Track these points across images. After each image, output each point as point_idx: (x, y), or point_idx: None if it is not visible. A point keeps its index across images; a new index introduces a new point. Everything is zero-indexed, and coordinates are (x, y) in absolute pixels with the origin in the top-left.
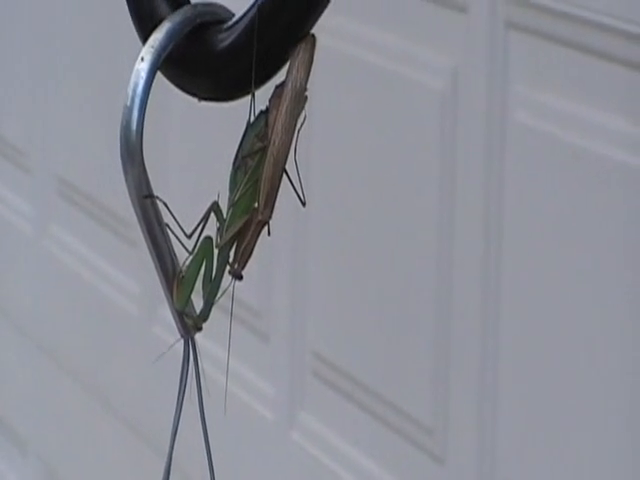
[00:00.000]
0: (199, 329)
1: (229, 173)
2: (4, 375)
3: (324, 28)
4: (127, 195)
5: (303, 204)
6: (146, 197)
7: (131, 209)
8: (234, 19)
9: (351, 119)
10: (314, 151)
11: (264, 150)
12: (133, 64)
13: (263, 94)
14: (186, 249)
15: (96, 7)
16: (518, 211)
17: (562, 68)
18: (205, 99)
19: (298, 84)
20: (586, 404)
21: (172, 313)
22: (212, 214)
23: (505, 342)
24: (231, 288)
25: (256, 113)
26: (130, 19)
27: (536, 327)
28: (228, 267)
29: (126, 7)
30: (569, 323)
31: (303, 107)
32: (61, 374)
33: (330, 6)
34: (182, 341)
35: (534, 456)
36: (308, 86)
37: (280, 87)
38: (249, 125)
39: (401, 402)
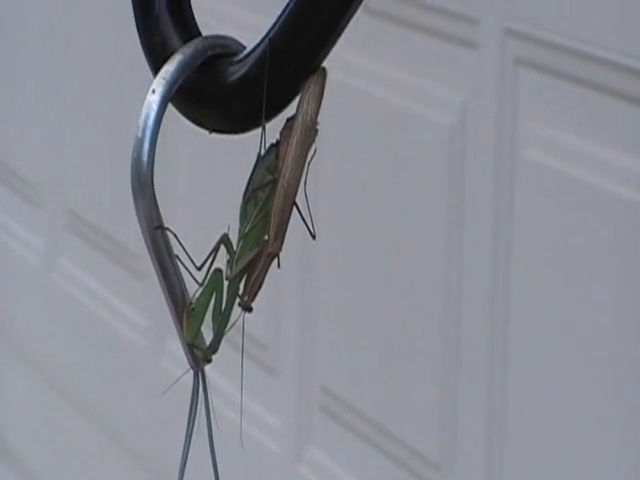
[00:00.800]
0: (209, 361)
1: (239, 205)
2: (11, 407)
3: (333, 63)
4: (136, 228)
5: (313, 237)
6: (157, 228)
7: (139, 242)
8: (245, 52)
9: (360, 154)
10: (322, 185)
11: (274, 183)
12: (143, 97)
13: (274, 127)
14: (196, 281)
15: (107, 39)
16: (527, 248)
17: (572, 105)
18: (216, 131)
19: (308, 117)
20: (595, 443)
21: (182, 345)
22: (222, 246)
23: (513, 378)
24: (240, 320)
25: (267, 146)
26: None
27: (545, 365)
28: (238, 299)
29: (137, 39)
30: (577, 363)
31: (313, 140)
32: (68, 406)
33: (340, 41)
34: (191, 373)
35: None
36: (318, 119)
37: (291, 120)
38: (260, 158)
39: (408, 437)
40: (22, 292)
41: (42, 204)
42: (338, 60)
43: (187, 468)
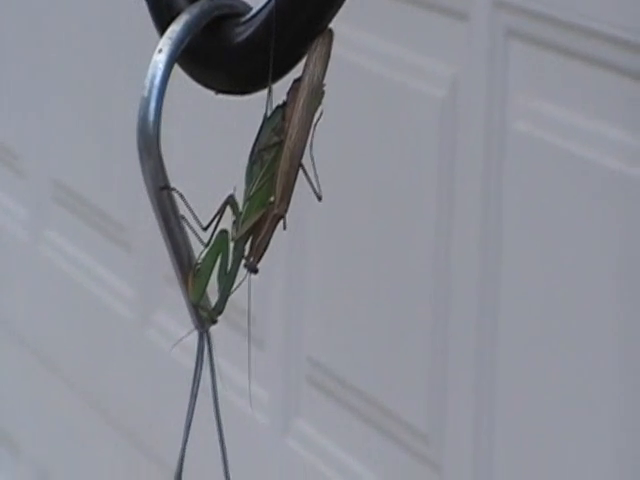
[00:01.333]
0: (214, 322)
1: (245, 167)
2: None
3: (331, 28)
4: (123, 199)
5: (319, 198)
6: (163, 188)
7: (126, 213)
8: (251, 12)
9: (350, 126)
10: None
11: (280, 144)
12: (129, 64)
13: (280, 88)
14: (202, 242)
15: (93, 5)
16: (516, 220)
17: (562, 77)
18: (222, 92)
19: (315, 78)
20: (584, 410)
21: (187, 306)
22: (228, 207)
23: (502, 348)
24: (246, 281)
25: (273, 107)
26: (132, 14)
27: (534, 332)
28: (243, 260)
29: (124, 5)
30: (566, 329)
31: (320, 102)
32: (55, 378)
33: None
34: (196, 334)
35: (531, 463)
36: (325, 81)
37: (297, 81)
38: (266, 119)
39: (397, 409)
40: (7, 264)
41: (27, 175)
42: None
43: (174, 437)
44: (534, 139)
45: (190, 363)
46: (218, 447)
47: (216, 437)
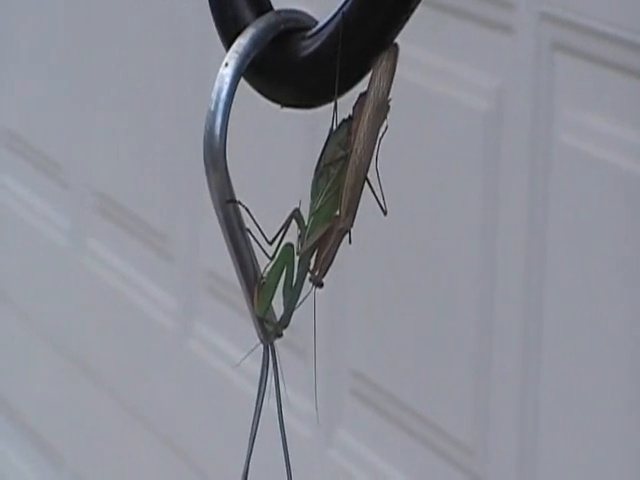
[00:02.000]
0: (279, 335)
1: (311, 180)
2: (41, 389)
3: (397, 42)
4: (164, 209)
5: (384, 212)
6: (229, 202)
7: (168, 223)
8: (318, 26)
9: (395, 139)
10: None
11: (346, 158)
12: (171, 76)
13: (345, 102)
14: (267, 255)
15: (137, 19)
16: (563, 234)
17: (608, 90)
18: (287, 106)
19: (380, 93)
20: (631, 423)
21: (253, 319)
22: (294, 221)
23: (547, 360)
24: (312, 295)
25: (339, 121)
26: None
27: (578, 346)
28: (309, 274)
29: (166, 18)
30: (612, 343)
31: (385, 116)
32: (97, 389)
33: None
34: (261, 347)
35: (575, 474)
36: (390, 95)
37: (363, 95)
38: (332, 133)
39: (440, 421)
40: (49, 273)
41: (70, 185)
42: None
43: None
44: (580, 152)
45: (230, 373)
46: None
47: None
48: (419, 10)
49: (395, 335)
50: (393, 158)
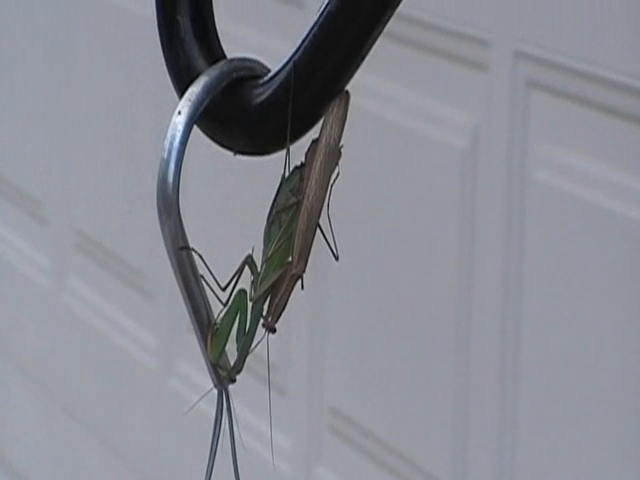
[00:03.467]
0: (233, 381)
1: (263, 227)
2: (19, 426)
3: (348, 90)
4: (145, 247)
5: (336, 258)
6: (182, 249)
7: (149, 261)
8: (270, 74)
9: (371, 176)
10: (333, 206)
11: (298, 205)
12: (150, 115)
13: (298, 148)
14: (220, 301)
15: (115, 54)
16: (538, 271)
17: (583, 127)
18: (240, 153)
19: (332, 140)
20: (609, 464)
21: (206, 364)
22: (246, 267)
23: (525, 402)
24: (264, 340)
25: (291, 168)
26: (157, 69)
27: (556, 390)
28: (262, 320)
29: (147, 56)
30: (587, 382)
31: (337, 163)
32: (77, 427)
33: None
34: (215, 392)
35: None
36: (342, 142)
37: (315, 142)
38: (284, 180)
39: (419, 458)
40: (30, 312)
41: (49, 223)
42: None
43: None
44: (555, 189)
45: (212, 412)
46: None
47: None
48: (395, 48)
49: (374, 373)
50: (370, 195)
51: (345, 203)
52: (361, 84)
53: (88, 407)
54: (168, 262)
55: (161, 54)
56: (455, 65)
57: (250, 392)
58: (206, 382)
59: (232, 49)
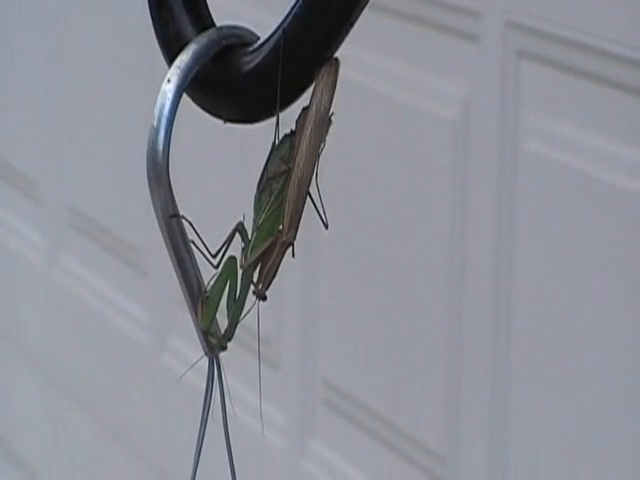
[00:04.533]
0: (224, 348)
1: (254, 195)
2: (14, 405)
3: (338, 57)
4: (138, 224)
5: (326, 226)
6: (172, 217)
7: (142, 238)
8: (259, 42)
9: (363, 148)
10: (325, 180)
11: (289, 172)
12: (144, 93)
13: (289, 116)
14: (212, 265)
15: (110, 34)
16: (530, 240)
17: (573, 97)
18: (230, 121)
19: (322, 107)
20: (600, 431)
21: (197, 332)
22: (237, 234)
23: (517, 368)
24: (255, 308)
25: (281, 136)
26: (147, 43)
27: (548, 355)
28: (252, 287)
29: (140, 33)
30: (580, 350)
31: (327, 130)
32: (71, 403)
33: None
34: (206, 360)
35: None
36: (332, 109)
37: (306, 110)
38: (274, 147)
39: (412, 430)
40: (24, 290)
41: (43, 201)
42: (339, 55)
43: (186, 457)
44: (546, 158)
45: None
46: (228, 468)
47: (235, 461)
48: (385, 20)
49: (366, 345)
50: (361, 167)
51: (336, 175)
52: (351, 57)
53: (82, 382)
54: (161, 239)
55: (151, 26)
56: (446, 36)
57: (244, 367)
58: (198, 357)
59: (222, 19)
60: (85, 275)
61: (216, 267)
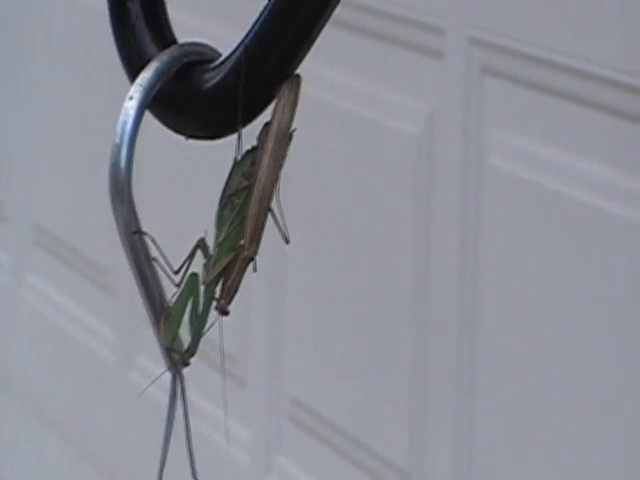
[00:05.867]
0: (186, 364)
1: (215, 211)
2: None
3: (299, 74)
4: (104, 242)
5: (287, 242)
6: (135, 233)
7: (108, 256)
8: (221, 59)
9: (327, 164)
10: (290, 196)
11: (250, 188)
12: (110, 112)
13: (250, 131)
14: (174, 283)
15: (75, 52)
16: (494, 255)
17: (537, 113)
18: (192, 137)
19: (284, 123)
20: (566, 444)
21: (160, 348)
22: (199, 250)
23: (481, 388)
24: (218, 323)
25: (243, 151)
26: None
27: (512, 376)
28: (215, 303)
29: (106, 51)
30: (545, 366)
31: (288, 146)
32: (37, 421)
33: None
34: (169, 375)
35: None
36: (294, 126)
37: (267, 125)
38: (236, 163)
39: (378, 446)
40: None
41: (9, 220)
42: (303, 71)
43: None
44: (509, 174)
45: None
46: None
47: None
48: (349, 37)
49: (333, 363)
50: (325, 184)
51: (300, 192)
52: (315, 73)
53: (49, 401)
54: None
55: (113, 44)
56: (409, 52)
57: (210, 383)
58: (166, 375)
59: (184, 36)
60: (52, 294)
61: (178, 285)
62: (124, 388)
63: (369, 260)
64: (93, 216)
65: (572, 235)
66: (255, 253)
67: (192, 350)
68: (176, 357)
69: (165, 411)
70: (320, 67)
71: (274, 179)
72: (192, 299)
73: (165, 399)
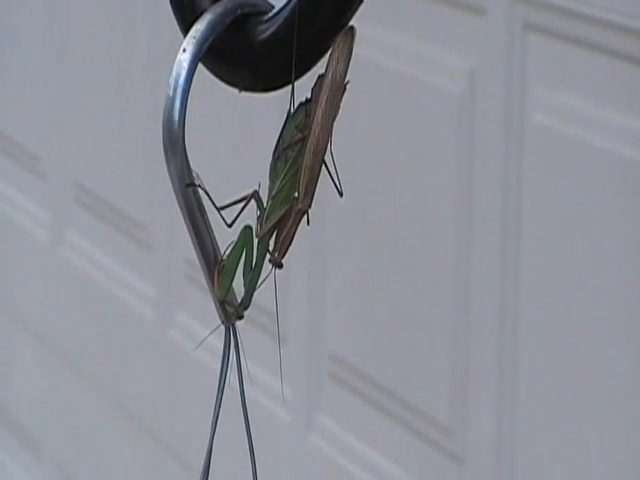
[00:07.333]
0: (240, 317)
1: (269, 164)
2: (21, 380)
3: (353, 25)
4: (143, 199)
5: (340, 194)
6: (188, 186)
7: (147, 213)
8: (274, 10)
9: (368, 122)
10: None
11: (304, 141)
12: (149, 67)
13: (304, 84)
14: (227, 223)
15: (115, 10)
16: (537, 212)
17: (580, 69)
18: (246, 90)
19: (338, 75)
20: (604, 402)
21: (214, 301)
22: (253, 203)
23: (523, 341)
24: (271, 276)
25: (296, 104)
26: (152, 14)
27: (554, 325)
28: (268, 256)
29: (145, 15)
30: (586, 322)
31: (342, 98)
32: (78, 379)
33: None
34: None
35: (553, 454)
36: (348, 77)
37: (321, 78)
38: (289, 116)
39: (419, 403)
40: (29, 266)
41: (48, 177)
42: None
43: (194, 431)
44: (553, 130)
45: (211, 362)
46: (243, 442)
47: (240, 431)
48: None
49: (373, 318)
50: (368, 141)
51: (344, 149)
52: (358, 31)
53: (88, 359)
54: (166, 213)
55: (155, 8)
56: (451, 9)
57: (249, 341)
58: (205, 332)
59: None
60: (91, 251)
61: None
62: (164, 345)
63: (410, 217)
64: (132, 173)
65: (616, 191)
66: (309, 206)
67: (246, 303)
68: (230, 310)
69: (204, 367)
70: (361, 24)
71: (328, 131)
72: (246, 252)
73: (205, 357)
